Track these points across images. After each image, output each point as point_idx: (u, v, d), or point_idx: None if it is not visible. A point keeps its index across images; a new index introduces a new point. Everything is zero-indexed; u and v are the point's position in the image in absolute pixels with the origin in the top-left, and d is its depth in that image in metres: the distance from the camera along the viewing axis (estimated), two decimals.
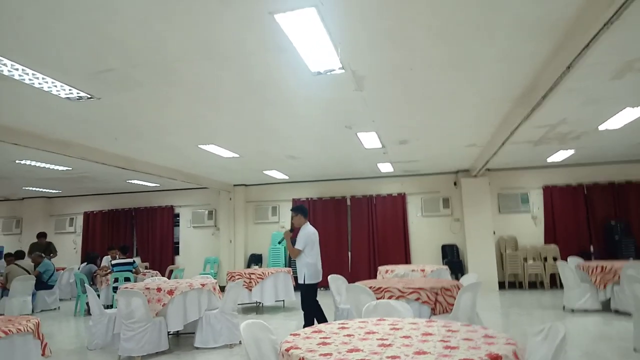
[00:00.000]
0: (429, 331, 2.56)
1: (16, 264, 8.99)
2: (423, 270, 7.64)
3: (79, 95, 4.78)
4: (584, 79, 4.90)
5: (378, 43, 3.90)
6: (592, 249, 10.43)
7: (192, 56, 4.03)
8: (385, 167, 10.43)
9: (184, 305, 5.51)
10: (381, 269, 8.18)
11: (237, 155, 8.42)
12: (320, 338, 2.46)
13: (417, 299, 4.80)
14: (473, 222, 10.68)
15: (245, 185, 12.62)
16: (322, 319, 5.70)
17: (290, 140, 7.51)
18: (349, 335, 2.51)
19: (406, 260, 11.19)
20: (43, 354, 3.48)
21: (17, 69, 4.01)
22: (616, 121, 6.75)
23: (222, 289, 6.16)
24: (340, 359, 2.01)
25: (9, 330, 3.07)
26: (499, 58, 4.36)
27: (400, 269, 7.72)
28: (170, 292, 5.39)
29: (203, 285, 5.76)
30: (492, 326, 2.64)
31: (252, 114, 5.92)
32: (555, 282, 10.15)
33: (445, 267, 8.20)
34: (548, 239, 10.70)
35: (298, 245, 5.82)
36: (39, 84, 4.39)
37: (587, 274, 7.32)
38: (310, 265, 5.79)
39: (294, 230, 6.03)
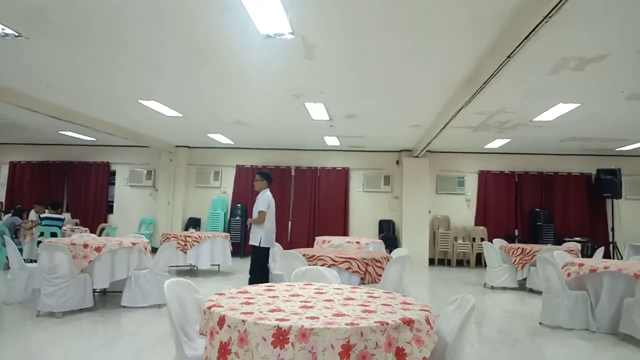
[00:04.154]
0: (352, 296, 2.65)
1: None
2: (358, 243, 7.85)
3: (4, 32, 4.39)
4: (524, 71, 5.13)
5: (330, 14, 3.84)
6: (517, 232, 11.14)
7: (131, 9, 3.83)
8: (332, 141, 10.49)
9: (111, 263, 5.35)
10: (318, 239, 8.32)
11: (180, 115, 8.14)
12: (245, 298, 2.48)
13: (348, 269, 4.94)
14: (411, 200, 11.07)
15: (189, 147, 12.28)
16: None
17: (237, 104, 7.33)
18: (273, 297, 2.54)
19: (344, 232, 11.44)
20: None
21: None
22: (549, 114, 7.15)
23: (156, 250, 6.03)
24: (260, 318, 2.04)
25: None
26: (442, 47, 4.48)
27: (336, 240, 7.88)
28: (98, 249, 5.20)
29: (134, 244, 5.60)
30: (418, 298, 2.85)
31: (195, 74, 5.72)
32: (480, 262, 10.76)
33: (380, 241, 8.48)
34: (478, 221, 11.31)
35: (262, 207, 5.87)
36: None
37: (508, 255, 7.85)
38: (268, 230, 5.91)
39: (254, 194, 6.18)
